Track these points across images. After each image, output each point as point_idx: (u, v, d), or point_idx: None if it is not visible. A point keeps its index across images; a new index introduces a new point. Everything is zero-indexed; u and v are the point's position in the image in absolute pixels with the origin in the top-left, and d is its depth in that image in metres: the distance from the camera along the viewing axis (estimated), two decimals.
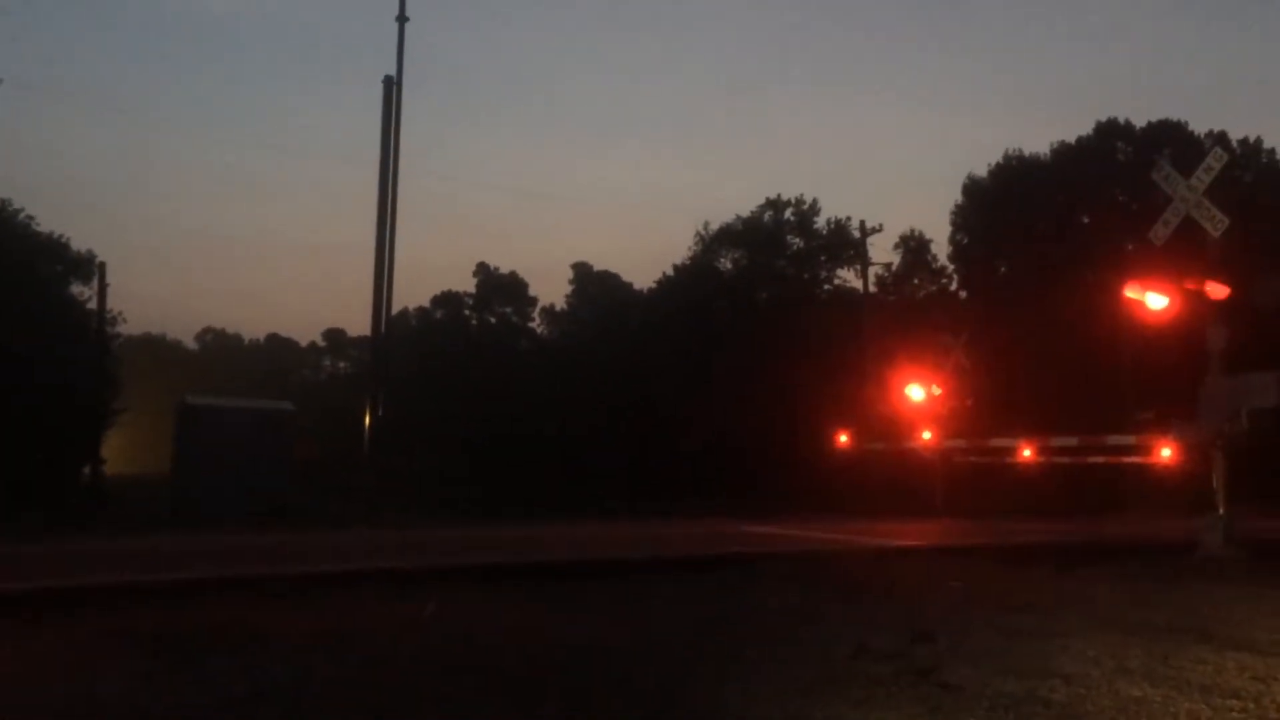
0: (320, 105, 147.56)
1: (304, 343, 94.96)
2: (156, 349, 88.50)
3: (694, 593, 9.64)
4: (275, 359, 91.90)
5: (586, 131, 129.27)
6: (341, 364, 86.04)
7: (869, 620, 7.90)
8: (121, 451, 60.39)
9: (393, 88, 24.74)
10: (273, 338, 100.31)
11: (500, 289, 64.43)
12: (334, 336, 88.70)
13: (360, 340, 72.10)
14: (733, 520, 19.93)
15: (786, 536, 15.50)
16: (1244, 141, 44.88)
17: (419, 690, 5.51)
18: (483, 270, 64.74)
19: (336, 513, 23.08)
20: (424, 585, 9.24)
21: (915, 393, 24.06)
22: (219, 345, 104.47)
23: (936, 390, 23.89)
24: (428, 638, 7.13)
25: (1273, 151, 45.46)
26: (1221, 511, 12.98)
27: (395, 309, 26.53)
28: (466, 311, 65.00)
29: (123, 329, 46.89)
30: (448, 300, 65.14)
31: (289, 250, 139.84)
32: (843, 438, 25.72)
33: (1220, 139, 42.78)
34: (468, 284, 64.94)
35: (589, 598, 9.18)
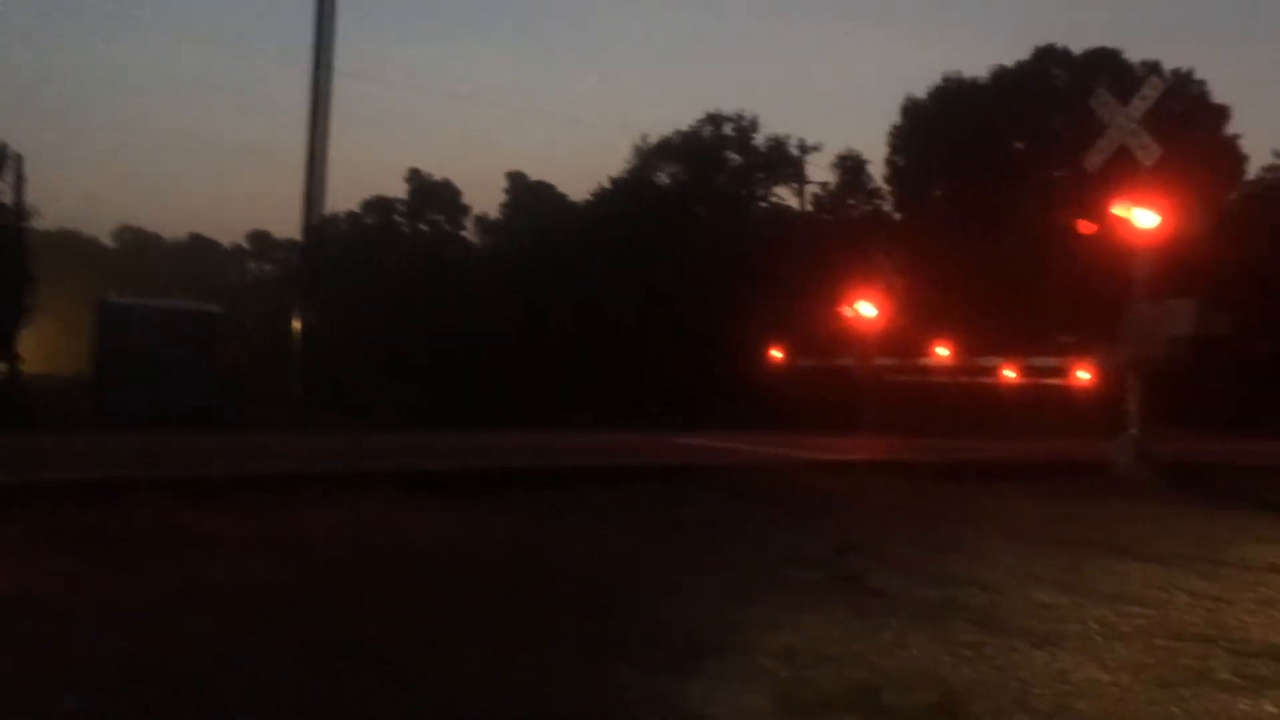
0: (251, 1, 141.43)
1: (228, 244, 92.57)
2: (72, 246, 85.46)
3: (627, 502, 9.80)
4: (197, 260, 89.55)
5: (526, 41, 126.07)
6: (267, 267, 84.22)
7: (799, 530, 8.15)
8: (35, 352, 58.62)
9: None
10: (195, 238, 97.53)
11: (433, 196, 63.34)
12: (259, 239, 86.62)
13: (286, 243, 70.58)
14: (667, 432, 20.18)
15: (720, 449, 15.77)
16: (1176, 72, 45.47)
17: (355, 593, 5.58)
18: (415, 176, 63.49)
19: (264, 418, 22.81)
20: (358, 490, 9.26)
21: (848, 311, 24.42)
22: (138, 244, 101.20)
23: (869, 309, 24.24)
24: (363, 542, 7.18)
25: (1203, 84, 46.16)
26: (1134, 432, 13.50)
27: (325, 212, 25.92)
28: (398, 218, 63.87)
29: (37, 224, 45.22)
30: (379, 206, 63.89)
31: (214, 149, 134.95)
32: (776, 353, 26.08)
33: (1154, 69, 43.28)
34: (400, 190, 63.72)
35: (522, 505, 9.28)
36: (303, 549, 6.78)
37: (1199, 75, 46.08)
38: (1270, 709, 3.84)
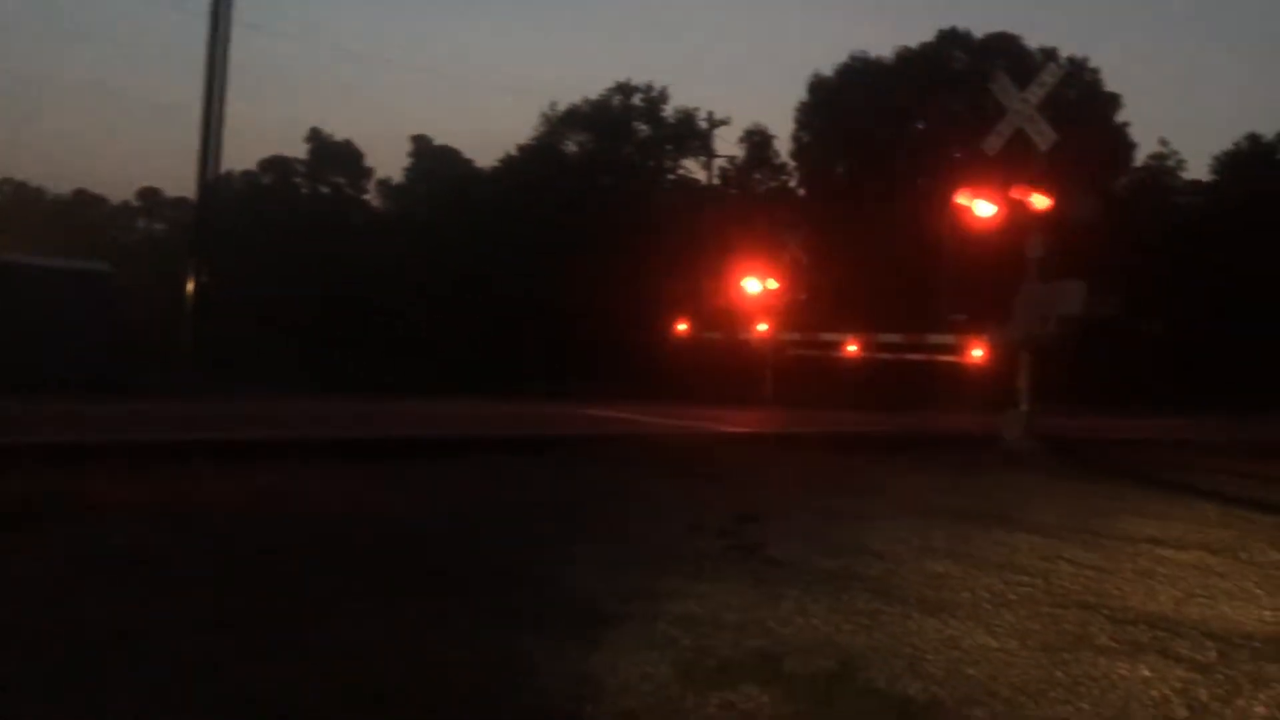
0: None
1: (116, 201, 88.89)
2: None
3: (531, 473, 9.79)
4: (82, 216, 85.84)
5: (434, 2, 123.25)
6: (158, 225, 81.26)
7: (701, 501, 8.23)
8: None
9: None
10: (80, 193, 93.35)
11: (334, 157, 61.76)
12: (149, 196, 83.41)
13: (179, 201, 68.01)
14: (572, 403, 20.17)
15: (624, 420, 15.83)
16: (1071, 59, 46.85)
17: (254, 562, 5.47)
18: (315, 136, 61.80)
19: (158, 383, 22.08)
20: (256, 459, 9.07)
21: (752, 285, 24.67)
22: (18, 198, 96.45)
23: (773, 284, 24.53)
24: (253, 509, 7.04)
25: (1096, 71, 47.66)
26: (1024, 408, 13.98)
27: (221, 170, 25.11)
28: (297, 179, 62.17)
29: None
30: (277, 165, 62.08)
31: (102, 101, 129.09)
32: (681, 326, 26.24)
33: (1051, 55, 44.51)
34: (299, 150, 62.00)
35: (422, 473, 9.21)
36: (193, 517, 6.61)
37: (1093, 64, 47.56)
38: (1146, 672, 4.03)
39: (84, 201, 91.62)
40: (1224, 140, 58.83)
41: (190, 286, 23.03)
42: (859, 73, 47.97)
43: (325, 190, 61.73)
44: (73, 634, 3.97)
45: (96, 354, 21.52)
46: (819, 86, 48.67)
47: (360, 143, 61.50)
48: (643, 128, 50.71)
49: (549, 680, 3.63)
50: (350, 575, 5.21)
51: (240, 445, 9.67)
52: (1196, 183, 50.28)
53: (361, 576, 5.19)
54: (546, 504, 7.96)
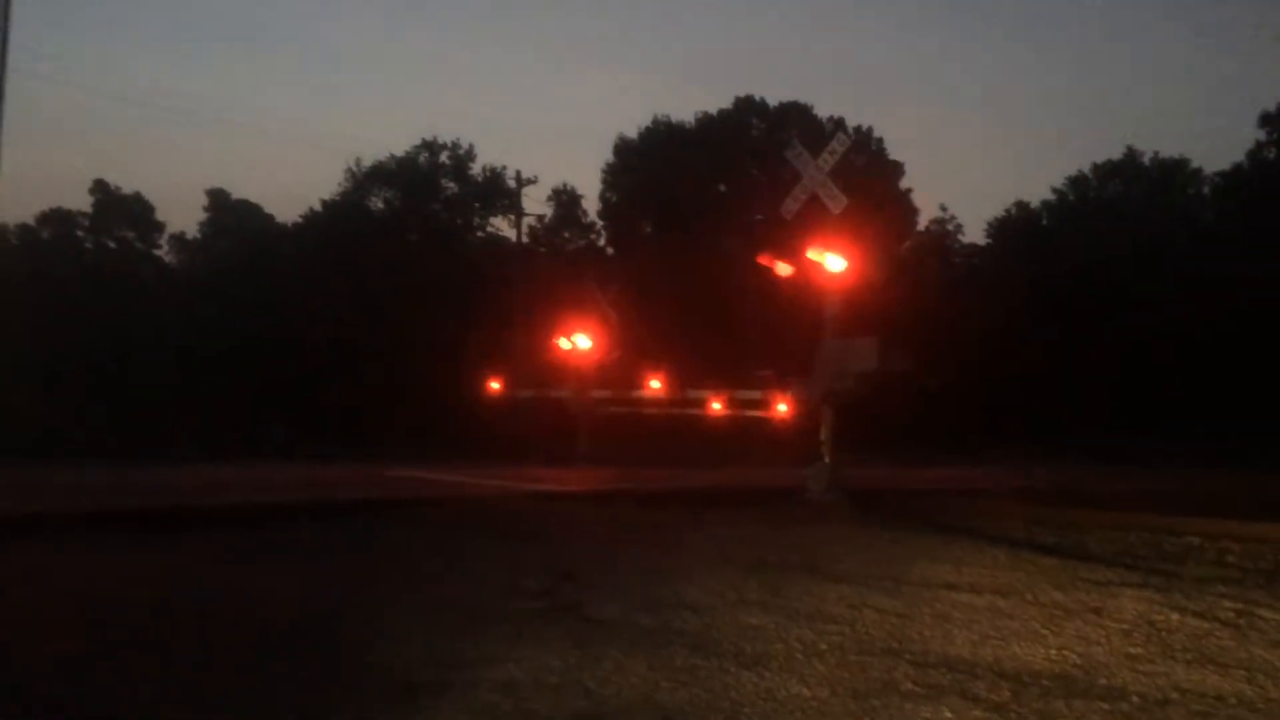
0: None
1: None
2: None
3: (340, 538, 9.45)
4: None
5: (229, 52, 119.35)
6: None
7: (517, 561, 8.15)
8: None
9: None
10: None
11: (122, 210, 58.51)
12: None
13: None
14: (382, 464, 19.63)
15: (436, 481, 15.52)
16: (858, 128, 49.83)
17: (53, 637, 5.05)
18: (101, 188, 58.46)
19: None
20: (26, 532, 8.39)
21: (564, 343, 24.76)
22: None
23: (584, 342, 24.71)
24: (39, 587, 6.52)
25: (880, 140, 50.84)
26: (827, 460, 14.53)
27: None
28: (80, 233, 58.56)
29: None
30: (58, 218, 58.25)
31: None
32: (494, 384, 26.03)
33: (839, 124, 47.29)
34: (83, 202, 58.46)
35: (225, 543, 8.75)
36: None
37: (877, 133, 50.73)
38: (947, 714, 4.24)
39: None
40: (995, 207, 63.66)
41: None
42: (662, 135, 49.52)
43: (112, 244, 58.35)
44: None
45: None
46: (624, 148, 49.91)
47: (151, 196, 58.51)
48: (450, 185, 50.54)
49: None
50: (147, 653, 4.87)
51: (7, 519, 8.92)
52: (973, 245, 54.22)
53: (160, 654, 4.86)
54: (354, 571, 7.69)
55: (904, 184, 50.68)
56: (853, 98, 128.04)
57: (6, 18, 21.72)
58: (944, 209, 54.34)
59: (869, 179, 45.19)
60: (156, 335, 43.74)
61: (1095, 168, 53.74)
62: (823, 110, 49.55)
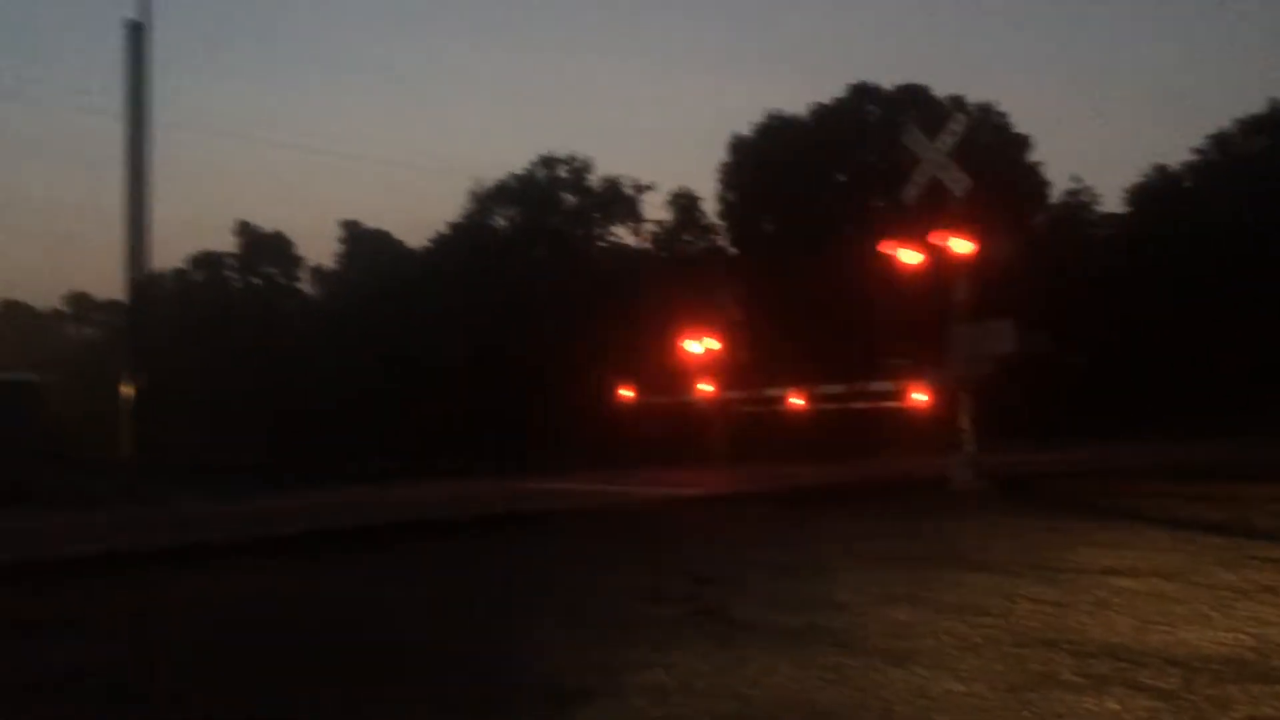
0: (60, 52, 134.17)
1: (44, 308, 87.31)
2: None
3: (482, 552, 9.66)
4: (11, 325, 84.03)
5: (356, 87, 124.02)
6: (88, 330, 79.85)
7: (658, 567, 8.18)
8: None
9: (139, 32, 22.92)
10: (9, 304, 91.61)
11: (265, 248, 61.45)
12: (79, 300, 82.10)
13: (109, 304, 66.95)
14: (521, 477, 19.99)
15: (575, 491, 15.70)
16: (979, 105, 48.37)
17: (199, 669, 5.31)
18: (245, 229, 61.51)
19: (91, 490, 21.49)
20: (194, 562, 8.84)
21: (692, 346, 24.76)
22: None
23: (712, 343, 24.67)
24: (205, 614, 6.85)
25: (1004, 115, 49.22)
26: (969, 448, 14.16)
27: (150, 270, 24.76)
28: (228, 272, 61.67)
29: None
30: (208, 261, 61.56)
31: (23, 209, 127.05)
32: (625, 391, 26.22)
33: (959, 103, 45.99)
34: (229, 244, 61.57)
35: (373, 563, 9.04)
36: (141, 627, 6.41)
37: (1000, 108, 49.11)
38: (1113, 705, 4.07)
39: (12, 310, 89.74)
40: (1132, 174, 60.80)
41: (124, 389, 22.50)
42: (777, 131, 49.01)
43: (258, 281, 61.24)
44: None
45: (24, 463, 21.01)
46: (739, 146, 49.60)
47: (291, 232, 61.31)
48: (570, 198, 51.22)
49: None
50: (303, 674, 5.07)
51: (177, 550, 9.41)
52: (1111, 215, 51.90)
53: (314, 674, 5.05)
54: (501, 585, 7.85)
55: (1032, 157, 48.97)
56: (972, 74, 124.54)
57: (144, 72, 23.01)
58: (1077, 179, 52.21)
59: (994, 155, 43.86)
60: (301, 363, 45.63)
61: (1239, 123, 50.79)
62: (941, 90, 48.24)
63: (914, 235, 15.36)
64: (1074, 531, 9.35)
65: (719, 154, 50.17)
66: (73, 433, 34.25)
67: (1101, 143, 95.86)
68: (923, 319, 19.34)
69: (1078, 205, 51.31)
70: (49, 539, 10.74)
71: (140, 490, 20.15)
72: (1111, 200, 52.78)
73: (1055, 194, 50.24)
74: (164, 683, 5.02)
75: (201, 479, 25.69)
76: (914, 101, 46.62)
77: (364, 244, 58.79)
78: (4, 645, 5.90)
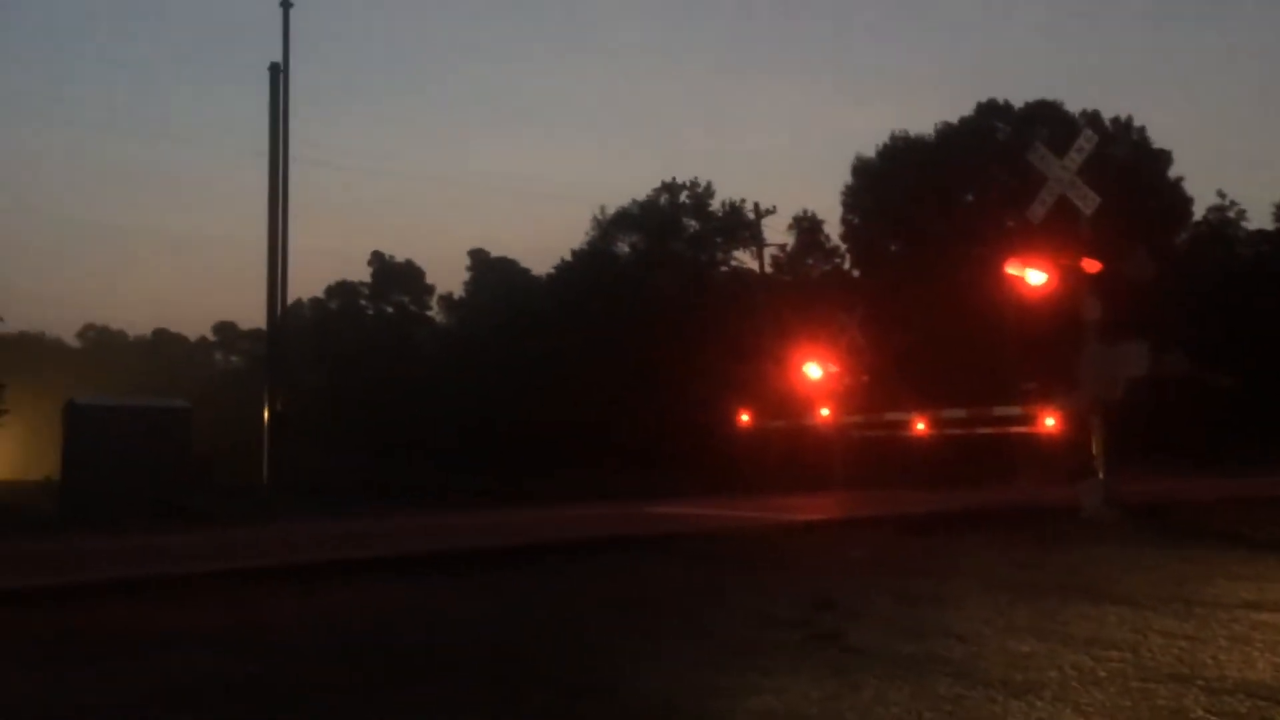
0: (205, 94, 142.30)
1: (193, 337, 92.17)
2: (34, 348, 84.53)
3: (604, 574, 9.76)
4: (163, 355, 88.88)
5: (479, 118, 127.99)
6: (233, 358, 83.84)
7: (775, 592, 8.14)
8: (4, 456, 57.85)
9: (279, 75, 24.13)
10: (160, 333, 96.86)
11: (396, 277, 63.60)
12: (225, 330, 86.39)
13: (253, 333, 70.31)
14: (639, 501, 20.12)
15: (693, 515, 15.74)
16: (1115, 120, 46.76)
17: (333, 681, 5.52)
18: (377, 259, 63.79)
19: (235, 511, 22.52)
20: (331, 578, 9.18)
21: (813, 370, 24.57)
22: (102, 342, 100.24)
23: (833, 368, 24.44)
24: (334, 631, 7.10)
25: (1142, 129, 47.47)
26: (1101, 475, 13.63)
27: (289, 299, 25.91)
28: (363, 301, 64.01)
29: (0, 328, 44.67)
30: (343, 290, 64.05)
31: (175, 243, 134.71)
32: (744, 416, 26.17)
33: (1094, 118, 44.54)
34: (363, 274, 63.96)
35: (499, 583, 9.23)
36: (273, 642, 6.69)
37: (1138, 123, 47.38)
38: None
39: (164, 340, 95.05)
40: None
41: (266, 415, 23.54)
42: (902, 151, 48.35)
43: (390, 309, 63.35)
44: None
45: (177, 486, 22.17)
46: (862, 169, 49.10)
47: (420, 260, 63.42)
48: (691, 223, 51.54)
49: None
50: (425, 691, 5.22)
51: (314, 566, 9.82)
52: (1260, 232, 49.33)
53: (436, 691, 5.20)
54: (616, 607, 7.91)
55: (1173, 173, 47.04)
56: (1108, 89, 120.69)
57: (283, 112, 24.15)
58: (1222, 195, 49.91)
59: (1131, 172, 42.29)
60: (430, 388, 46.92)
61: None
62: (1074, 106, 46.87)
63: (1042, 255, 14.93)
64: (1212, 563, 8.91)
65: (842, 177, 49.84)
66: (218, 456, 36.03)
67: (1249, 157, 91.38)
68: (1052, 341, 18.78)
69: (1223, 222, 49.02)
70: (203, 553, 11.32)
71: (276, 510, 21.06)
72: (1260, 215, 50.24)
73: (1199, 210, 48.15)
74: (294, 692, 5.24)
75: (338, 500, 26.60)
76: (1045, 118, 45.38)
77: (491, 272, 60.26)
78: (148, 655, 6.23)
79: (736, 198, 50.55)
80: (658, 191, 51.63)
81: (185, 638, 6.73)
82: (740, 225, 49.49)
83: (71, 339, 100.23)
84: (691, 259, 50.91)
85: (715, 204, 51.25)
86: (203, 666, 5.90)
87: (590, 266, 50.31)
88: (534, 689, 5.20)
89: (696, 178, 51.49)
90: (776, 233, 50.85)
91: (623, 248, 51.93)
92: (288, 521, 18.50)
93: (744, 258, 49.94)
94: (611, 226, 51.88)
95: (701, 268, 50.48)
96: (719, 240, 51.38)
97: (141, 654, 6.21)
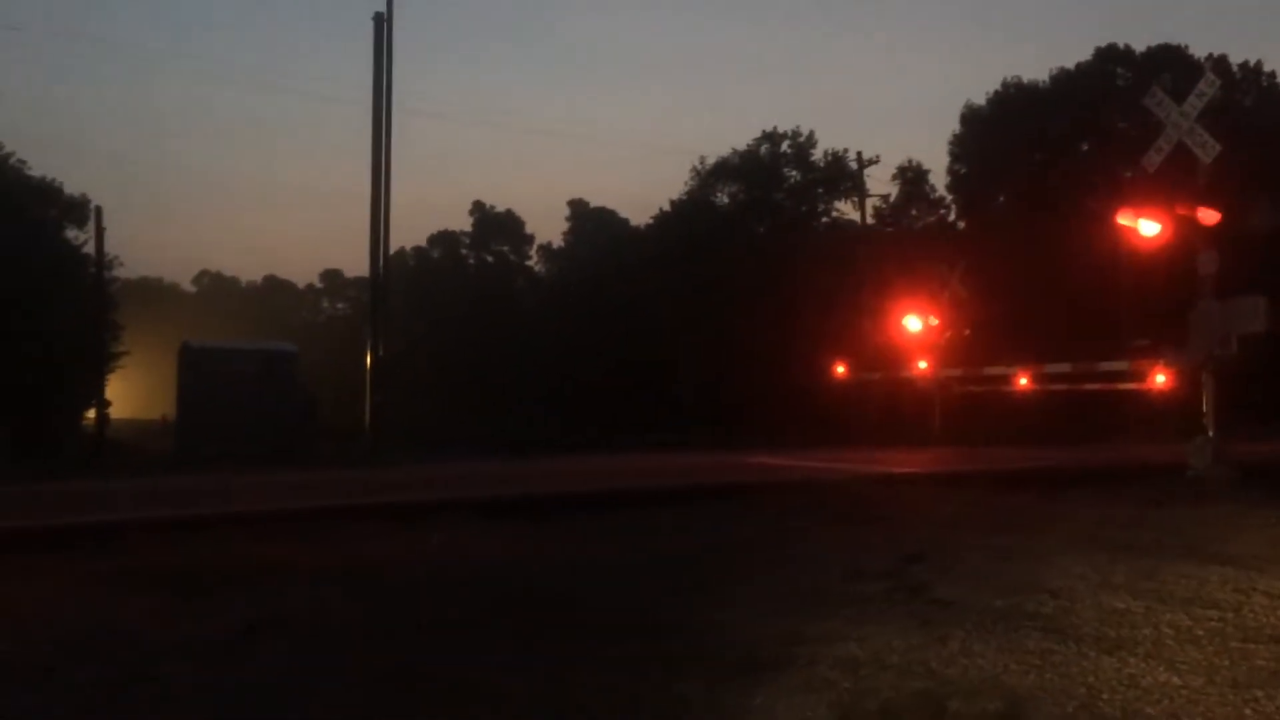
0: (313, 44, 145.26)
1: (301, 285, 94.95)
2: (153, 292, 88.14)
3: (696, 521, 9.83)
4: (273, 301, 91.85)
5: (580, 68, 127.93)
6: (340, 305, 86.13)
7: (865, 543, 8.10)
8: (122, 396, 60.72)
9: (383, 25, 24.46)
10: (270, 279, 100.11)
11: (497, 227, 64.27)
12: (331, 278, 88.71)
13: (358, 281, 72.17)
14: (734, 451, 20.15)
15: (787, 466, 15.72)
16: (1244, 65, 44.41)
17: (430, 615, 5.71)
18: (479, 209, 64.50)
19: (340, 452, 23.28)
20: (429, 518, 9.44)
21: (912, 323, 24.14)
22: (216, 288, 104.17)
23: (933, 320, 23.98)
24: (430, 569, 7.32)
25: (1273, 75, 45.01)
26: (1211, 433, 13.15)
27: (392, 249, 26.45)
28: (464, 250, 64.90)
29: (119, 273, 46.67)
30: (444, 239, 65.01)
31: (285, 192, 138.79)
32: (840, 368, 25.90)
33: (1220, 63, 42.33)
34: (464, 223, 64.79)
35: (592, 527, 9.37)
36: (372, 578, 6.93)
37: (1268, 67, 44.94)
38: None
39: (273, 287, 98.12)
40: None
41: (369, 360, 24.17)
42: (1014, 99, 46.73)
43: (490, 259, 64.11)
44: (255, 690, 4.25)
45: (285, 427, 22.97)
46: (971, 117, 47.66)
47: (520, 210, 63.90)
48: (792, 173, 50.80)
49: None
50: (514, 629, 5.37)
51: (413, 506, 10.10)
52: None
53: (524, 630, 5.34)
54: (707, 554, 7.97)
55: None
56: (1235, 33, 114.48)
57: (388, 63, 24.48)
58: None
59: (1259, 118, 40.15)
60: (530, 340, 47.52)
61: None
62: (1200, 50, 44.62)
63: (1156, 205, 14.33)
64: None
65: (950, 126, 48.47)
66: (323, 400, 37.20)
67: None
68: (1165, 295, 18.09)
69: None
70: (300, 493, 11.76)
71: (379, 454, 21.70)
72: None
73: None
74: (384, 632, 5.44)
75: (437, 445, 27.27)
76: (1169, 64, 43.28)
77: (590, 221, 60.44)
78: (255, 588, 6.52)
79: (839, 147, 49.67)
80: (758, 141, 50.96)
81: (294, 571, 7.00)
82: (842, 176, 48.63)
83: (187, 284, 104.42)
84: (792, 210, 50.25)
85: (817, 154, 50.41)
86: (310, 598, 6.16)
87: (690, 217, 50.05)
88: (618, 628, 5.29)
89: (799, 126, 50.67)
90: (880, 183, 49.92)
91: (722, 198, 51.50)
92: (390, 463, 19.06)
93: (845, 209, 49.18)
94: (711, 176, 51.42)
95: (802, 219, 49.82)
96: (820, 191, 50.56)
97: (251, 586, 6.48)
